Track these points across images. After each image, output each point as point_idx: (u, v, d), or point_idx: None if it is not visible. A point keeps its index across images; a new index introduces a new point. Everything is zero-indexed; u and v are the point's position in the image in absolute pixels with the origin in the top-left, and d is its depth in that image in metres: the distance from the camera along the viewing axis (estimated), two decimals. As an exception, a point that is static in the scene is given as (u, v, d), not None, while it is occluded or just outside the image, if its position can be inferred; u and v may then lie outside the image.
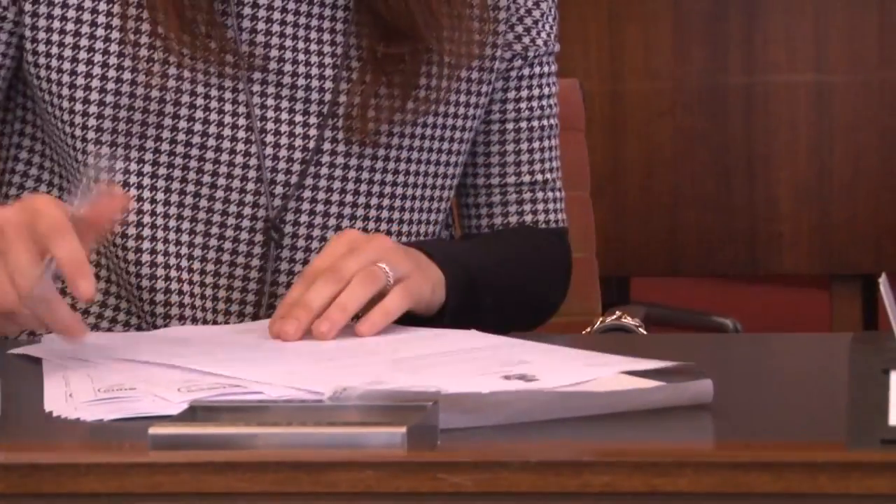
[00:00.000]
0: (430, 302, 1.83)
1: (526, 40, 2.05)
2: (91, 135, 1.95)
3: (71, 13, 1.94)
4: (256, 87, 1.96)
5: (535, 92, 2.08)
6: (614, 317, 2.15)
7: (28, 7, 1.94)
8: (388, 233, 2.03)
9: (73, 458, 1.32)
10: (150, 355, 1.71)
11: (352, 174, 1.98)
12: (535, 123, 2.08)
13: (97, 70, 1.94)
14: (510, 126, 2.06)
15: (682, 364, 1.54)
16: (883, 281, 1.36)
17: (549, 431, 1.45)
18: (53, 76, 1.95)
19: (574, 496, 1.25)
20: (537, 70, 2.08)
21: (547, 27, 2.07)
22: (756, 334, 2.18)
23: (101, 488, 1.27)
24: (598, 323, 2.16)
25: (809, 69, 2.78)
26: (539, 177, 2.09)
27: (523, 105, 2.06)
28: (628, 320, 2.15)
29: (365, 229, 2.00)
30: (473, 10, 2.00)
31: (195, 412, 1.36)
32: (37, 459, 1.31)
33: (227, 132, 1.95)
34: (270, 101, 1.97)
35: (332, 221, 1.99)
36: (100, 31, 1.94)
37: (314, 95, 1.98)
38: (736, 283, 2.97)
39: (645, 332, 2.13)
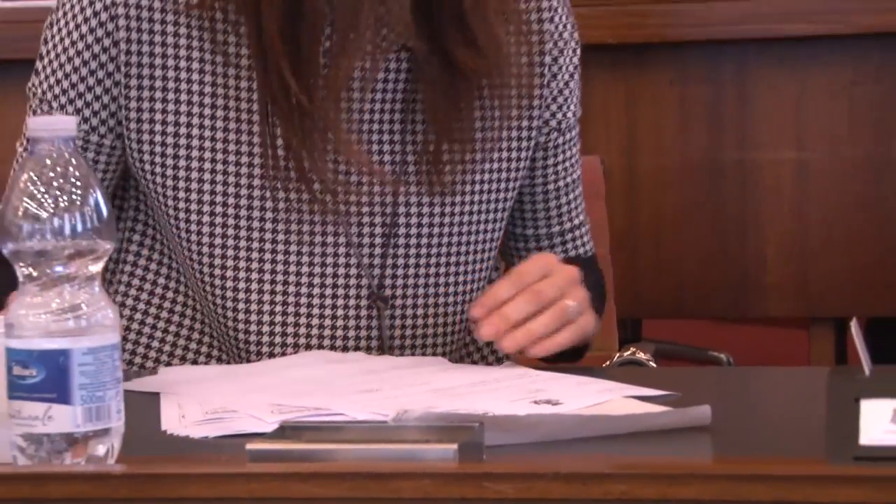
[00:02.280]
0: (588, 340, 1.86)
1: (559, 115, 2.06)
2: (193, 227, 1.93)
3: (170, 129, 1.92)
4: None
5: (568, 154, 2.09)
6: (629, 352, 2.16)
7: (132, 116, 1.91)
8: (465, 275, 2.04)
9: (184, 469, 1.34)
10: (248, 384, 1.71)
11: (426, 230, 1.97)
12: (569, 179, 2.09)
13: (199, 174, 1.93)
14: (551, 186, 2.06)
15: (667, 393, 1.59)
16: (854, 324, 1.36)
17: (575, 448, 1.46)
18: (159, 179, 1.92)
19: (597, 502, 1.25)
20: (567, 136, 2.08)
21: (574, 100, 2.07)
22: (746, 367, 2.18)
23: (207, 494, 1.30)
24: (616, 357, 2.16)
25: (791, 147, 2.78)
26: (576, 221, 2.11)
27: (560, 167, 2.08)
28: (641, 355, 2.16)
29: (453, 273, 2.01)
30: (521, 54, 2.00)
31: (284, 431, 1.37)
32: (154, 470, 1.31)
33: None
34: (352, 174, 1.94)
35: (422, 280, 2.00)
36: (200, 142, 1.93)
37: (387, 157, 1.96)
38: (729, 324, 2.96)
39: (655, 365, 2.13)
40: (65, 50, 1.93)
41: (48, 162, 1.36)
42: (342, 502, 1.27)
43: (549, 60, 2.05)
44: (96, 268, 1.36)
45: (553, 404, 1.55)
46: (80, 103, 1.91)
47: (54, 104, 1.91)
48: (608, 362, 2.09)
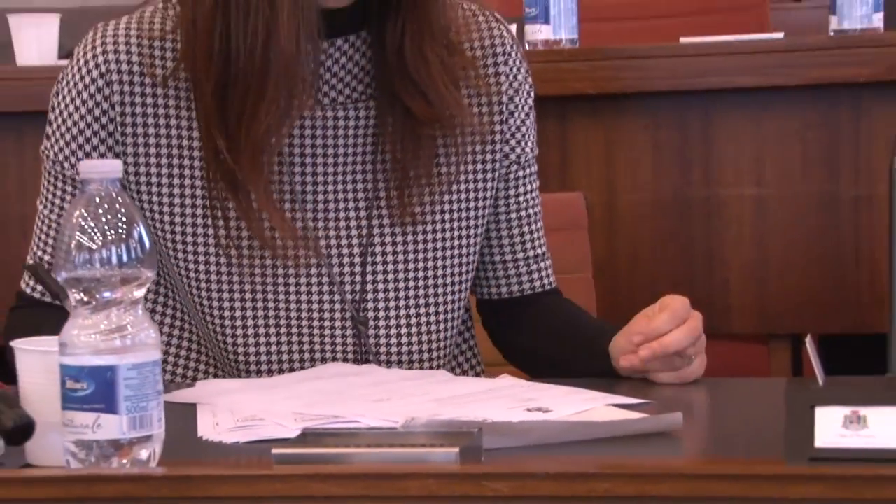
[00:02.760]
0: None
1: (518, 150, 2.05)
2: (191, 266, 1.96)
3: (164, 179, 1.93)
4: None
5: (528, 188, 2.07)
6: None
7: (131, 170, 1.93)
8: (442, 296, 2.03)
9: (217, 471, 1.36)
10: (274, 395, 1.71)
11: (400, 256, 1.96)
12: (531, 210, 2.08)
13: (192, 219, 1.94)
14: (513, 215, 2.05)
15: (643, 401, 1.59)
16: (808, 340, 1.35)
17: (564, 450, 1.45)
18: (158, 224, 1.94)
19: (583, 499, 1.26)
20: (527, 171, 2.07)
21: (531, 137, 2.06)
22: (713, 378, 2.16)
23: (237, 493, 1.30)
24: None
25: (751, 185, 2.77)
26: (539, 251, 2.09)
27: (521, 198, 2.06)
28: (618, 367, 2.14)
29: (431, 296, 2.00)
30: (480, 102, 1.99)
31: (306, 437, 1.38)
32: (191, 472, 1.32)
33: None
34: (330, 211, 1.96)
35: (402, 303, 1.98)
36: (192, 190, 1.94)
37: (360, 195, 1.95)
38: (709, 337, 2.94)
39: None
40: (70, 115, 1.93)
41: (97, 200, 1.36)
42: (357, 500, 1.27)
43: (506, 99, 2.04)
44: (140, 293, 1.36)
45: (544, 412, 1.54)
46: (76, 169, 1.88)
47: (65, 164, 1.92)
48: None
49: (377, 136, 1.97)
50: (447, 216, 2.00)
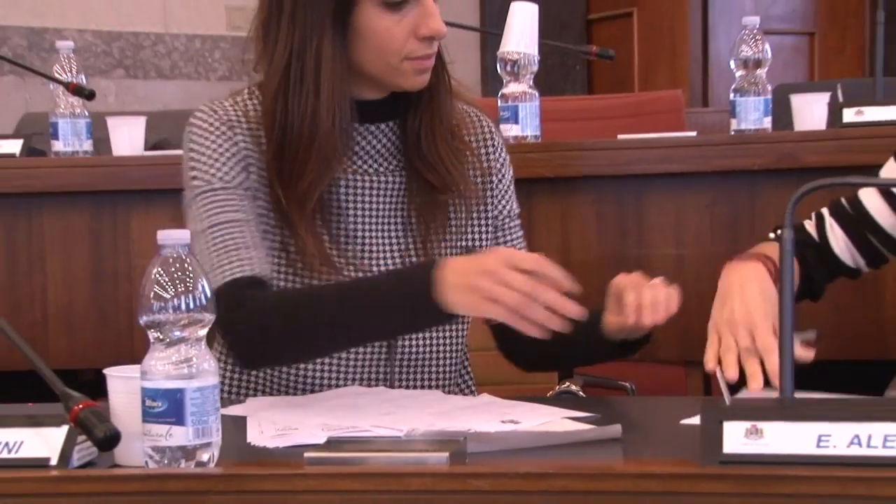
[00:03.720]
0: None
1: (508, 207, 2.07)
2: None
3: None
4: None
5: (518, 233, 2.11)
6: (565, 385, 2.12)
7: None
8: (453, 328, 2.02)
9: (262, 470, 1.38)
10: (306, 411, 1.69)
11: None
12: (522, 248, 2.07)
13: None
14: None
15: (591, 415, 1.55)
16: (718, 370, 1.33)
17: (531, 454, 1.44)
18: None
19: (544, 493, 1.28)
20: (515, 221, 2.10)
21: (514, 198, 2.08)
22: (645, 396, 2.14)
23: (277, 487, 1.34)
24: (556, 389, 2.13)
25: (672, 246, 2.75)
26: None
27: (514, 242, 2.08)
28: (573, 387, 2.12)
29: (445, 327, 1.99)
30: (476, 175, 1.98)
31: (330, 443, 1.39)
32: (242, 471, 1.37)
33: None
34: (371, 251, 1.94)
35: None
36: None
37: (394, 241, 1.95)
38: (633, 364, 2.91)
39: (583, 395, 2.09)
40: (214, 150, 1.88)
41: (170, 260, 1.35)
42: (370, 493, 1.27)
43: (495, 171, 2.03)
44: (203, 332, 1.35)
45: (515, 423, 1.53)
46: (239, 179, 1.88)
47: (217, 184, 1.87)
48: (550, 393, 2.06)
49: (406, 198, 1.96)
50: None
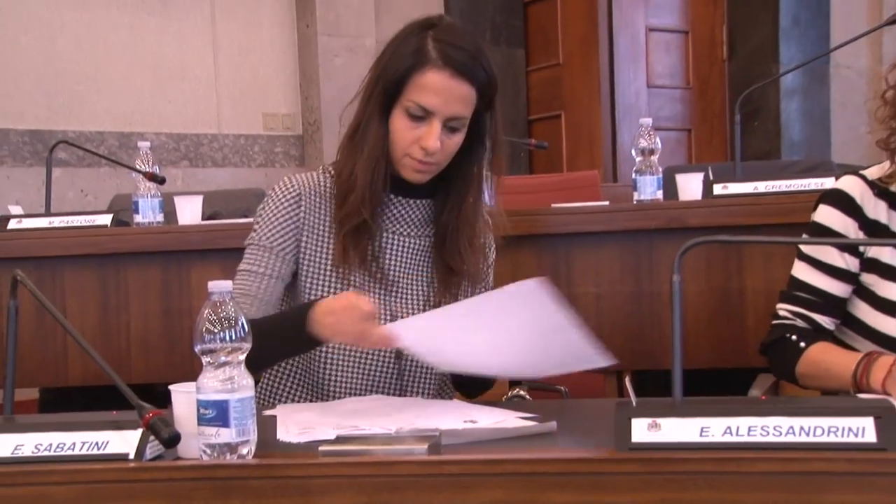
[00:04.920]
0: None
1: (489, 279, 2.00)
2: None
3: (313, 268, 1.89)
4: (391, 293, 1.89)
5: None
6: (515, 391, 2.09)
7: (301, 249, 1.89)
8: None
9: (287, 460, 1.37)
10: (321, 414, 1.66)
11: None
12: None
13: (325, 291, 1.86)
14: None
15: (534, 415, 1.51)
16: (627, 379, 1.31)
17: (488, 445, 1.41)
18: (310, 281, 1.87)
19: (497, 475, 1.25)
20: (491, 277, 2.01)
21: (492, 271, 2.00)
22: (575, 398, 2.12)
23: (298, 473, 1.35)
24: (509, 394, 2.10)
25: (593, 286, 2.74)
26: None
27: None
28: (522, 392, 2.09)
29: None
30: (481, 263, 1.93)
31: (340, 439, 1.35)
32: (274, 461, 1.33)
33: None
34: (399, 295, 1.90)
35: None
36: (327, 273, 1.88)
37: (417, 289, 1.92)
38: (566, 374, 2.88)
39: (530, 398, 2.07)
40: (274, 213, 1.88)
41: (218, 303, 1.33)
42: (369, 476, 1.24)
43: (489, 253, 1.99)
44: (242, 357, 1.33)
45: (474, 422, 1.50)
46: (280, 240, 1.87)
47: (266, 245, 1.86)
48: (504, 397, 2.03)
49: (431, 261, 1.93)
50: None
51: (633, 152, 2.89)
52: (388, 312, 1.89)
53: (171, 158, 4.82)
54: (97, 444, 1.33)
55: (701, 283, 2.62)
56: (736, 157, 3.20)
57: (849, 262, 1.83)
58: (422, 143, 1.79)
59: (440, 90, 1.77)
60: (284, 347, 1.78)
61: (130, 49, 4.77)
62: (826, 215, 1.85)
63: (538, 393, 2.49)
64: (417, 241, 1.93)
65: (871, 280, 1.81)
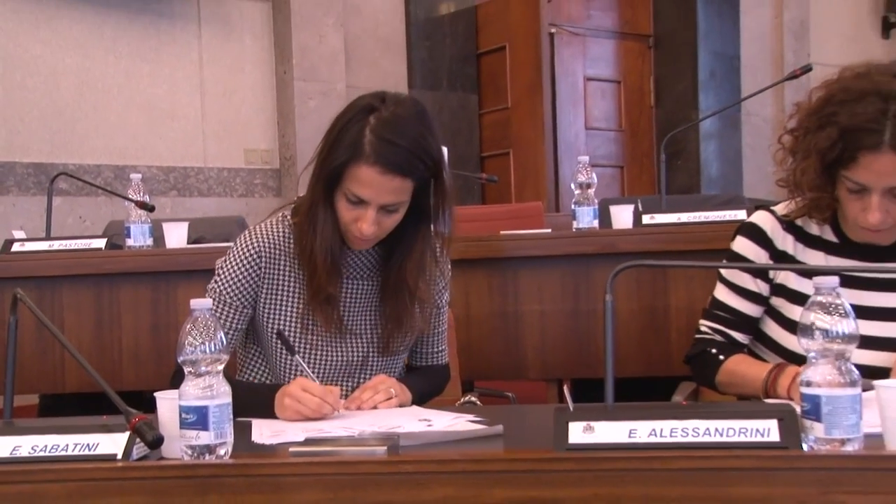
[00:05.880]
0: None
1: (445, 305, 1.95)
2: (278, 347, 1.84)
3: (278, 306, 1.83)
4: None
5: (444, 318, 1.96)
6: (467, 398, 2.08)
7: (260, 302, 1.82)
8: (397, 369, 1.93)
9: (261, 460, 1.28)
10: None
11: (380, 360, 1.88)
12: (442, 329, 1.97)
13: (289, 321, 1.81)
14: (435, 331, 1.95)
15: (483, 419, 1.50)
16: (566, 386, 1.31)
17: (441, 446, 1.40)
18: (268, 329, 1.83)
19: (449, 472, 1.21)
20: (445, 316, 1.96)
21: (448, 298, 1.96)
22: (521, 404, 2.12)
23: (271, 472, 1.25)
24: (461, 400, 2.09)
25: (537, 303, 2.75)
26: (442, 347, 1.99)
27: (441, 325, 1.96)
28: (473, 398, 2.08)
29: (390, 371, 1.90)
30: (430, 287, 1.87)
31: (308, 441, 1.32)
32: (248, 461, 1.25)
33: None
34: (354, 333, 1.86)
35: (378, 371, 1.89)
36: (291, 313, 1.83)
37: (367, 330, 1.86)
38: (513, 381, 2.88)
39: (480, 403, 2.06)
40: (233, 271, 1.81)
41: (199, 319, 1.31)
42: (334, 475, 1.22)
43: (443, 286, 1.93)
44: (220, 367, 1.31)
45: (430, 424, 1.49)
46: (237, 297, 1.82)
47: (226, 298, 1.81)
48: (457, 402, 2.02)
49: (381, 301, 1.86)
50: (406, 342, 1.90)
51: (573, 186, 2.91)
52: (341, 354, 1.85)
53: (161, 189, 4.78)
54: (88, 445, 1.30)
55: (631, 301, 2.64)
56: (662, 191, 3.24)
57: (760, 287, 1.86)
58: (359, 225, 1.73)
59: (372, 184, 1.68)
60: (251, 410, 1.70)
61: (126, 91, 4.74)
62: (741, 245, 1.87)
63: (488, 399, 2.48)
64: (369, 285, 1.87)
65: (779, 303, 1.84)
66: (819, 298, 1.21)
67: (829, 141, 1.64)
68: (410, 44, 5.43)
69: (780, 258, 1.82)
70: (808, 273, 1.77)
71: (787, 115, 1.82)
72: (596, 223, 2.90)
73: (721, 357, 1.83)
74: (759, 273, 1.84)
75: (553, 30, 5.98)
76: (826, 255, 1.80)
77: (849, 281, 1.72)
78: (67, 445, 1.31)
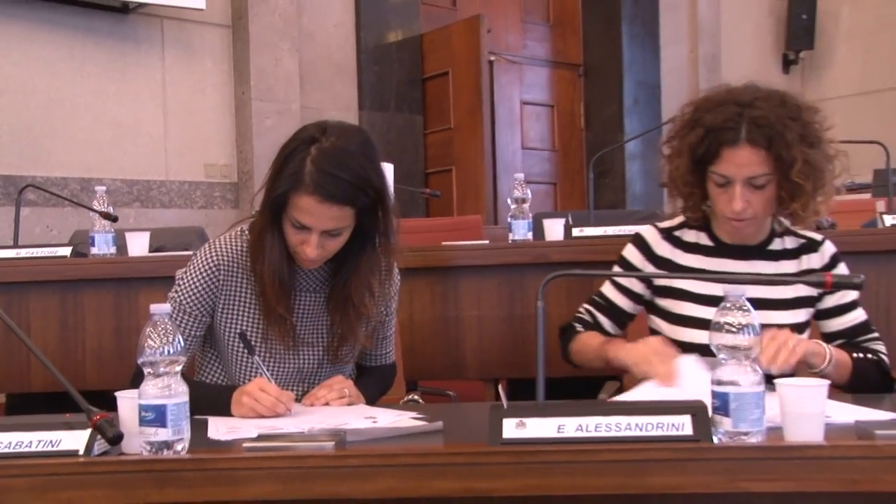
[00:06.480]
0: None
1: (391, 314, 1.94)
2: (237, 348, 1.82)
3: (235, 315, 1.81)
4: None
5: (392, 325, 1.96)
6: (410, 397, 2.08)
7: (219, 310, 1.80)
8: (346, 369, 1.90)
9: (216, 454, 1.25)
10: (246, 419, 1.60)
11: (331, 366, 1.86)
12: (390, 332, 1.96)
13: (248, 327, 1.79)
14: (384, 334, 1.94)
15: (425, 416, 1.49)
16: (501, 386, 1.31)
17: (385, 441, 1.38)
18: (226, 335, 1.81)
19: (392, 465, 1.20)
20: (393, 321, 1.96)
21: (396, 307, 1.94)
22: (462, 402, 2.12)
23: (226, 466, 1.21)
24: (405, 398, 2.09)
25: (475, 309, 2.74)
26: (390, 349, 1.98)
27: (388, 331, 1.95)
28: (416, 397, 2.08)
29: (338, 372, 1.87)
30: (378, 300, 1.85)
31: (261, 437, 1.30)
32: (204, 456, 1.22)
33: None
34: (306, 343, 1.84)
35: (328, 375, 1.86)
36: (250, 319, 1.81)
37: (318, 339, 1.84)
38: (453, 381, 2.88)
39: (423, 402, 2.06)
40: (192, 282, 1.79)
41: (158, 323, 1.29)
42: (285, 468, 1.21)
43: (391, 296, 1.91)
44: (178, 368, 1.29)
45: (375, 421, 1.48)
46: (195, 307, 1.80)
47: (185, 307, 1.79)
48: (401, 401, 2.02)
49: (328, 314, 1.85)
50: (353, 351, 1.89)
51: (509, 201, 2.93)
52: (295, 362, 1.84)
53: (125, 200, 4.70)
54: (51, 442, 1.28)
55: (561, 307, 2.66)
56: (590, 207, 3.27)
57: (640, 289, 1.98)
58: (303, 248, 1.72)
59: (312, 212, 1.67)
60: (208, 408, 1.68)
61: (92, 109, 4.65)
62: (629, 252, 2.00)
63: (431, 397, 2.48)
64: (321, 298, 1.85)
65: (666, 303, 1.93)
66: (728, 305, 1.24)
67: (697, 138, 1.81)
68: (361, 68, 5.43)
69: (660, 262, 1.94)
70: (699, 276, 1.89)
71: (666, 130, 1.96)
72: (530, 235, 2.91)
73: (579, 329, 1.98)
74: (644, 278, 1.98)
75: (492, 58, 6.02)
76: (703, 257, 1.91)
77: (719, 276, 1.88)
78: (32, 442, 1.28)
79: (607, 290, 2.02)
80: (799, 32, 7.34)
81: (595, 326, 2.01)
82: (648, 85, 6.62)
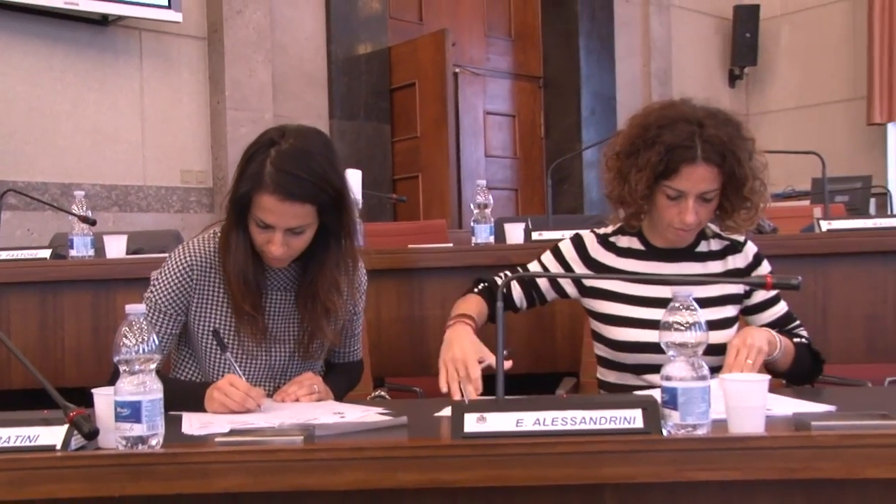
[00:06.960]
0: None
1: (360, 312, 1.93)
2: (211, 347, 1.80)
3: (209, 314, 1.78)
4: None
5: (359, 322, 1.93)
6: (377, 393, 2.07)
7: (192, 310, 1.78)
8: (315, 365, 1.88)
9: (190, 449, 1.24)
10: (219, 414, 1.59)
11: (302, 362, 1.84)
12: (358, 330, 1.94)
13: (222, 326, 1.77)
14: (353, 331, 1.93)
15: (390, 411, 1.49)
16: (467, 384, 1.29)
17: (352, 436, 1.37)
18: (199, 332, 1.78)
19: (360, 459, 1.20)
20: (360, 318, 1.93)
21: (364, 304, 1.92)
22: (429, 398, 2.11)
23: (199, 460, 1.21)
24: (373, 394, 2.08)
25: (439, 309, 2.76)
26: (358, 346, 1.96)
27: (357, 328, 1.93)
28: (383, 393, 2.07)
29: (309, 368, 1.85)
30: (346, 297, 1.82)
31: (233, 432, 1.28)
32: (178, 450, 1.22)
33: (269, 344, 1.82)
34: (277, 340, 1.82)
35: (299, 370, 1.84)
36: (222, 318, 1.78)
37: (290, 337, 1.81)
38: (420, 377, 2.88)
39: (390, 398, 2.05)
40: (167, 282, 1.77)
41: (133, 322, 1.27)
42: (256, 462, 1.20)
43: (360, 294, 1.90)
44: (153, 366, 1.27)
45: (342, 416, 1.47)
46: (170, 306, 1.77)
47: (161, 306, 1.77)
48: (368, 397, 2.00)
49: (298, 312, 1.83)
50: (323, 348, 1.86)
51: (473, 206, 2.93)
52: (266, 358, 1.82)
53: (104, 205, 4.64)
54: (29, 437, 1.25)
55: (521, 307, 2.67)
56: (549, 212, 3.28)
57: (567, 285, 1.98)
58: (269, 247, 1.70)
59: (274, 210, 1.65)
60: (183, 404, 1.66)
61: (73, 117, 4.59)
62: (565, 247, 2.00)
63: (397, 393, 2.47)
64: (291, 296, 1.83)
65: (594, 304, 1.96)
66: (676, 305, 1.25)
67: (658, 156, 1.80)
68: (331, 79, 5.41)
69: (592, 264, 1.96)
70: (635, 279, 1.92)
71: (611, 142, 1.95)
72: (492, 239, 2.92)
73: (475, 290, 1.95)
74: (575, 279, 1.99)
75: (457, 70, 6.03)
76: (636, 260, 1.94)
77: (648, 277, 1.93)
78: (10, 437, 1.25)
79: (533, 265, 2.01)
80: (743, 50, 7.47)
81: (495, 290, 1.93)
82: (605, 97, 6.68)
